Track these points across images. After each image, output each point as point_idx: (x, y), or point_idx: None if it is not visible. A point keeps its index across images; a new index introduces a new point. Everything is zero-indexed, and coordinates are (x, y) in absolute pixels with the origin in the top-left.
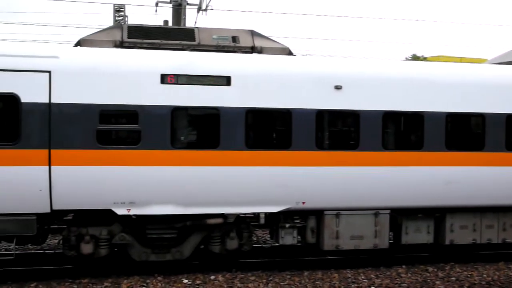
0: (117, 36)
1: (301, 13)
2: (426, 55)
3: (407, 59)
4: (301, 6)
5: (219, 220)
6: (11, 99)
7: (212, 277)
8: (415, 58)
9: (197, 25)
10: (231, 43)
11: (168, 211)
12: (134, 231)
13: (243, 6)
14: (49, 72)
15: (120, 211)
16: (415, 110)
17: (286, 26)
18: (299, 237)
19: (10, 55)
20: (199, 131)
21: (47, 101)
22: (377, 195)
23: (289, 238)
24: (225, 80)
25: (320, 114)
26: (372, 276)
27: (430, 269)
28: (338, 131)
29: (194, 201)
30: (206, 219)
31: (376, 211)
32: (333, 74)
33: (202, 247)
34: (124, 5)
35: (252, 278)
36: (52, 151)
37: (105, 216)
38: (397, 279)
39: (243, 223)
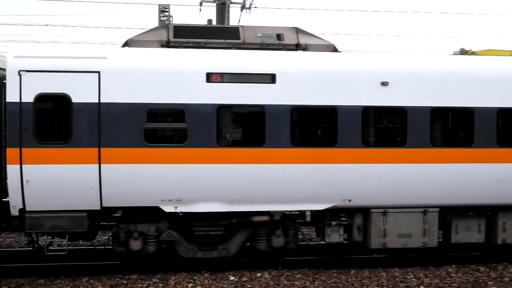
0: (163, 36)
1: (345, 9)
2: (474, 49)
3: (455, 54)
4: (345, 2)
5: (265, 218)
6: (63, 99)
7: (258, 275)
8: (463, 52)
9: (240, 24)
10: (276, 41)
11: (214, 208)
12: (181, 228)
13: (287, 3)
14: (98, 72)
15: (168, 208)
16: (465, 105)
17: (331, 22)
18: (345, 235)
19: (61, 56)
20: (244, 129)
21: (96, 101)
22: (425, 192)
23: (335, 236)
24: (270, 78)
25: (366, 111)
26: (421, 275)
27: (482, 269)
28: (385, 128)
29: (240, 199)
30: (252, 216)
31: (424, 209)
32: (379, 70)
33: (248, 244)
34: (169, 5)
35: (299, 276)
36: (102, 149)
37: (153, 213)
38: (447, 279)
39: (289, 221)
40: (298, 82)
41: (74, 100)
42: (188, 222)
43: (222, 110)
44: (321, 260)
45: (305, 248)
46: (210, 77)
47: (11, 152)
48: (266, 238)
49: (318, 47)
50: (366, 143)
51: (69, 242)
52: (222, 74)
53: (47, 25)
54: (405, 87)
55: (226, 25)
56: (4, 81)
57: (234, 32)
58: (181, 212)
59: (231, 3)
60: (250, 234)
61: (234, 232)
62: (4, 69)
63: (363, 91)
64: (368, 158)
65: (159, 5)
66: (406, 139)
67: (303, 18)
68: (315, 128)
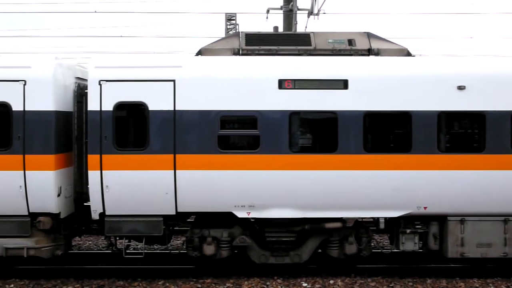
0: (235, 44)
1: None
2: None
3: None
4: (417, 5)
5: (338, 225)
6: (140, 107)
7: (331, 282)
8: None
9: (307, 30)
10: (347, 46)
11: (286, 214)
12: (254, 234)
13: (357, 8)
14: (174, 81)
15: (240, 214)
16: None
17: (403, 26)
18: (420, 243)
19: (138, 66)
20: (317, 135)
21: (172, 108)
22: (507, 200)
23: (410, 244)
24: (342, 84)
25: (442, 116)
26: (503, 286)
27: None
28: (462, 133)
29: (312, 205)
30: (324, 223)
31: (505, 218)
32: (455, 74)
33: (320, 251)
34: (235, 13)
35: (372, 283)
36: (177, 156)
37: (226, 219)
38: None
39: (362, 228)
40: (371, 87)
41: (150, 108)
42: (260, 228)
43: (294, 116)
44: (395, 268)
45: (378, 256)
46: (282, 84)
47: (92, 159)
48: (339, 245)
49: (391, 52)
50: (442, 149)
51: (145, 246)
52: (294, 80)
53: (121, 36)
54: (483, 91)
55: (297, 32)
56: (86, 90)
57: (305, 39)
58: (253, 218)
59: (298, 9)
60: (323, 240)
61: (307, 239)
62: (86, 79)
63: (438, 96)
64: (444, 164)
65: (226, 13)
66: (485, 145)
67: (374, 22)
68: (389, 134)
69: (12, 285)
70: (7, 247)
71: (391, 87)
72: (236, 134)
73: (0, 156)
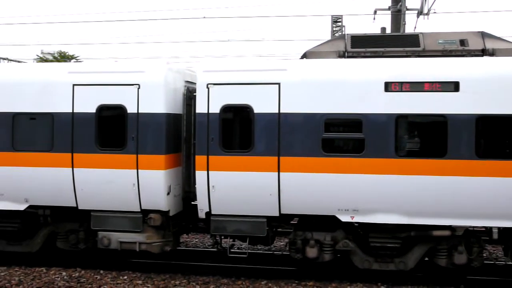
0: (340, 46)
1: None
2: None
3: None
4: None
5: (446, 232)
6: (245, 110)
7: None
8: None
9: (416, 31)
10: (459, 47)
11: (392, 220)
12: (357, 239)
13: (470, 7)
14: (279, 84)
15: (344, 218)
16: None
17: None
18: None
19: (244, 70)
20: (424, 139)
21: (276, 111)
22: None
23: None
24: (453, 86)
25: None
26: None
27: None
28: None
29: (419, 211)
30: (432, 230)
31: None
32: None
33: (426, 259)
34: (341, 15)
35: None
36: (281, 158)
37: (329, 222)
38: None
39: (472, 237)
40: (485, 90)
41: (255, 110)
42: (364, 233)
43: (401, 120)
44: (509, 282)
45: (491, 267)
46: (389, 87)
47: (200, 159)
48: (447, 254)
49: (508, 52)
50: None
51: (249, 246)
52: (401, 83)
53: (228, 40)
54: None
55: (404, 33)
56: (194, 93)
57: (413, 40)
58: (357, 222)
59: (407, 9)
60: (429, 248)
61: (412, 246)
62: (194, 83)
63: None
64: None
65: (332, 16)
66: None
67: (488, 21)
68: (505, 139)
69: (125, 277)
70: (121, 241)
71: (507, 89)
72: (341, 137)
73: (116, 155)
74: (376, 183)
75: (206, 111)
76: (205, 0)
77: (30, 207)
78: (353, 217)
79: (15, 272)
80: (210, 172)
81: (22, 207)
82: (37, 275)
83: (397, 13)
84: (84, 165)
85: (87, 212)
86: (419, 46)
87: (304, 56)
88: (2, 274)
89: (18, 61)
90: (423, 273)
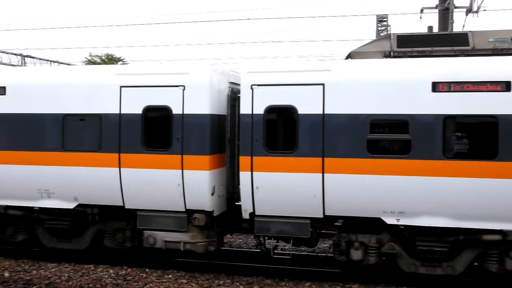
0: (386, 46)
1: None
2: None
3: None
4: None
5: (497, 237)
6: (289, 111)
7: None
8: None
9: (465, 29)
10: (511, 45)
11: (439, 223)
12: (403, 241)
13: None
14: (323, 84)
15: (389, 220)
16: None
17: None
18: None
19: (287, 71)
20: (473, 140)
21: (320, 112)
22: None
23: None
24: (504, 86)
25: None
26: None
27: None
28: None
29: (468, 215)
30: (481, 234)
31: None
32: None
33: (476, 264)
34: (387, 15)
35: None
36: (325, 159)
37: (374, 224)
38: None
39: None
40: None
41: (300, 111)
42: (410, 236)
43: (449, 120)
44: None
45: None
46: (436, 87)
47: (244, 160)
48: (498, 259)
49: None
50: None
51: (292, 247)
52: (449, 83)
53: (272, 41)
54: None
55: (453, 32)
56: (238, 94)
57: (462, 38)
58: (403, 225)
59: (455, 7)
60: (479, 253)
61: (461, 250)
62: (238, 84)
63: None
64: None
65: (377, 15)
66: None
67: None
68: None
69: (170, 276)
70: (166, 240)
71: None
72: (386, 138)
73: (161, 156)
74: (423, 185)
75: (250, 112)
76: (249, 2)
77: (79, 205)
78: (399, 219)
79: (65, 269)
80: (254, 172)
81: (71, 205)
82: (85, 272)
83: (445, 11)
84: (130, 165)
85: (134, 211)
86: (468, 45)
87: (349, 56)
88: (53, 270)
89: (68, 64)
90: (472, 278)
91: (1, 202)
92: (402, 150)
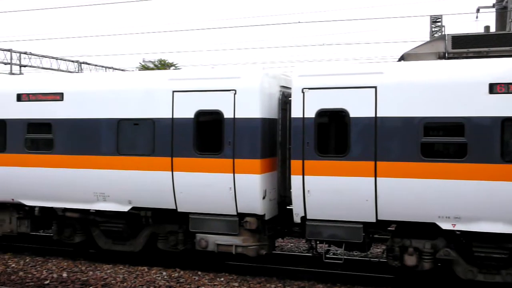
0: (440, 47)
1: None
2: None
3: None
4: None
5: None
6: (341, 114)
7: None
8: None
9: None
10: None
11: (497, 229)
12: (459, 247)
13: None
14: (375, 87)
15: (445, 225)
16: None
17: None
18: None
19: (339, 74)
20: None
21: (373, 115)
22: None
23: None
24: None
25: None
26: None
27: None
28: None
29: None
30: None
31: None
32: None
33: None
34: (441, 15)
35: None
36: (378, 163)
37: (429, 230)
38: None
39: None
40: None
41: (351, 114)
42: (467, 242)
43: (507, 123)
44: None
45: None
46: (494, 88)
47: (295, 164)
48: None
49: None
50: None
51: (345, 252)
52: (508, 84)
53: (323, 44)
54: None
55: (511, 31)
56: (289, 98)
57: None
58: (459, 231)
59: None
60: None
61: None
62: (289, 88)
63: None
64: None
65: (430, 16)
66: None
67: None
68: None
69: (222, 279)
70: (218, 243)
71: None
72: (441, 141)
73: (213, 159)
74: (480, 189)
75: (301, 116)
76: (299, 5)
77: (133, 208)
78: (455, 224)
79: (120, 270)
80: (305, 176)
81: (126, 208)
82: (139, 274)
83: (503, 10)
84: (183, 169)
85: (186, 215)
86: None
87: (402, 58)
88: (108, 271)
89: (122, 70)
90: None
91: (60, 205)
92: (457, 153)
